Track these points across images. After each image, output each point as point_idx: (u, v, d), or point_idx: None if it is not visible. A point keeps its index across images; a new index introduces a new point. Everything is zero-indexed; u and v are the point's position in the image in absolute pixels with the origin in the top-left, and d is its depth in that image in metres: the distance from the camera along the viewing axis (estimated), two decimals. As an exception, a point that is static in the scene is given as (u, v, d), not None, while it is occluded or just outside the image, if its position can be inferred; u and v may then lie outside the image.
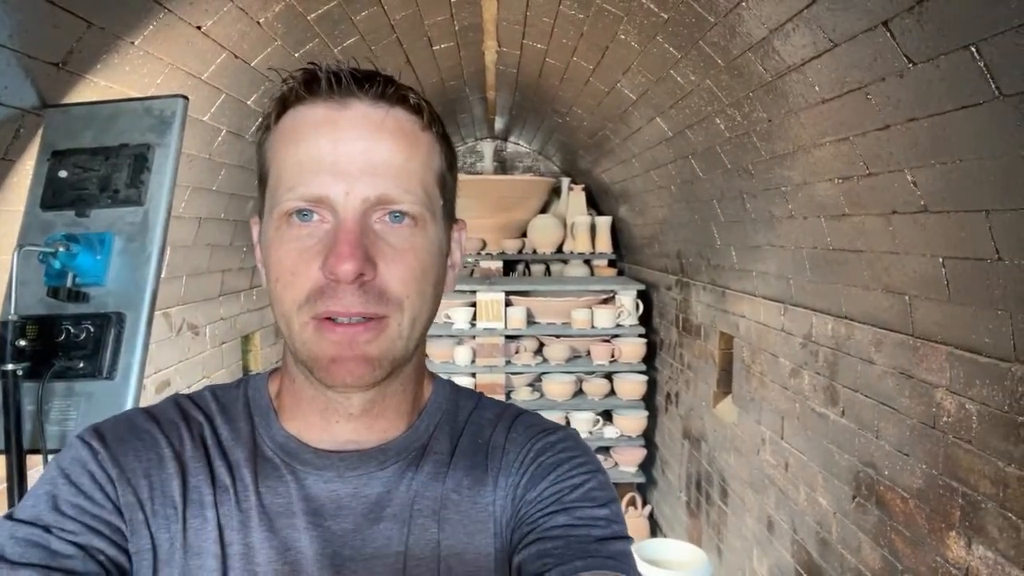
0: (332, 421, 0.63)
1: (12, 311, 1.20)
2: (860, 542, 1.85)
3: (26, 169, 1.40)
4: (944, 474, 1.50)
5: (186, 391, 0.70)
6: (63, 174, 1.34)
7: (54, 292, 1.25)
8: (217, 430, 0.65)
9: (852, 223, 1.73)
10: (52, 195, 1.34)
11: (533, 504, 0.64)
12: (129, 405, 1.23)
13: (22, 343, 1.20)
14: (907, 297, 1.60)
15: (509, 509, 0.65)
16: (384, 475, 0.63)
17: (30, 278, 1.26)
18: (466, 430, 0.68)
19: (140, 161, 1.32)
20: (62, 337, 1.26)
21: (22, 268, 1.23)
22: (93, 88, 1.48)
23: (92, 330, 1.26)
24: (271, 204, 0.59)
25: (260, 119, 0.62)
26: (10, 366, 1.19)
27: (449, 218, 0.66)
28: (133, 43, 1.49)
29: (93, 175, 1.33)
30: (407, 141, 0.59)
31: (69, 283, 1.26)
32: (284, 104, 0.59)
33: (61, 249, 1.23)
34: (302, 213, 0.57)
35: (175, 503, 0.60)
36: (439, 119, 0.62)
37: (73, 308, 1.27)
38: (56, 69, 1.35)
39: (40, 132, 1.39)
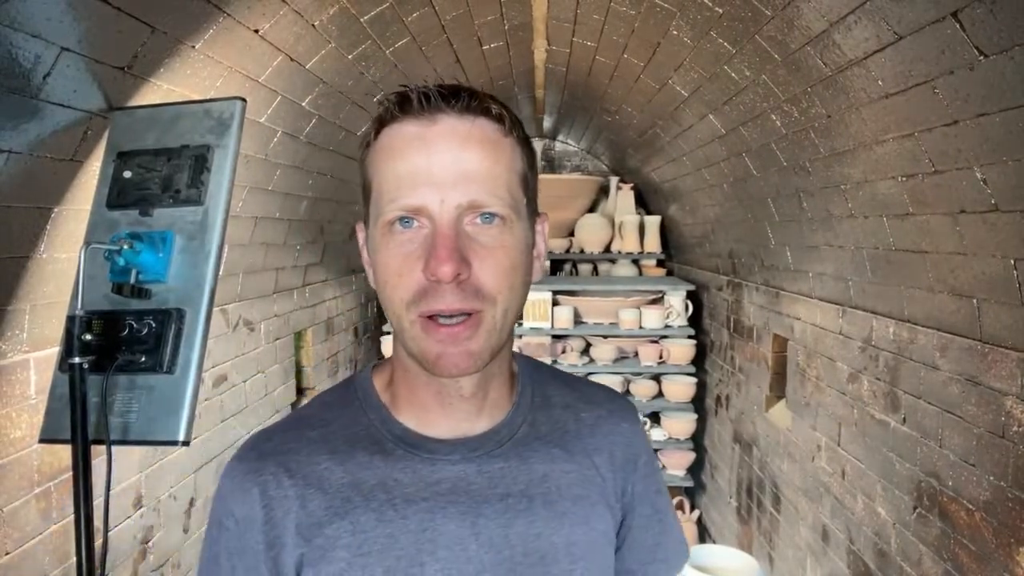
0: (447, 403, 0.70)
1: (79, 306, 1.25)
2: (921, 555, 1.78)
3: (93, 170, 1.46)
4: (1014, 486, 1.43)
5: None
6: (127, 174, 1.38)
7: (118, 288, 1.29)
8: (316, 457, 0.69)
9: (916, 222, 1.67)
10: (117, 195, 1.38)
11: (638, 507, 0.79)
12: (188, 399, 1.27)
13: (88, 337, 1.24)
14: (975, 300, 1.53)
15: (619, 490, 0.77)
16: (502, 452, 0.71)
17: (96, 275, 1.31)
18: (557, 408, 0.77)
19: (200, 162, 1.35)
20: (125, 332, 1.30)
21: (89, 265, 1.27)
22: (156, 91, 1.53)
23: (154, 325, 1.30)
24: (375, 214, 0.66)
25: (361, 138, 0.70)
26: (77, 359, 1.23)
27: (532, 213, 0.71)
28: (194, 47, 1.53)
29: (156, 175, 1.37)
30: (492, 148, 0.64)
31: (132, 280, 1.30)
32: (381, 123, 0.66)
33: (125, 247, 1.28)
34: (404, 220, 0.63)
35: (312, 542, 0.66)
36: (519, 123, 0.68)
37: (136, 304, 1.31)
38: (121, 73, 1.40)
39: (106, 134, 1.44)
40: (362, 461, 0.68)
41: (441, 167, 0.62)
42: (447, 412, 0.70)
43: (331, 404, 0.74)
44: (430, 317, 0.62)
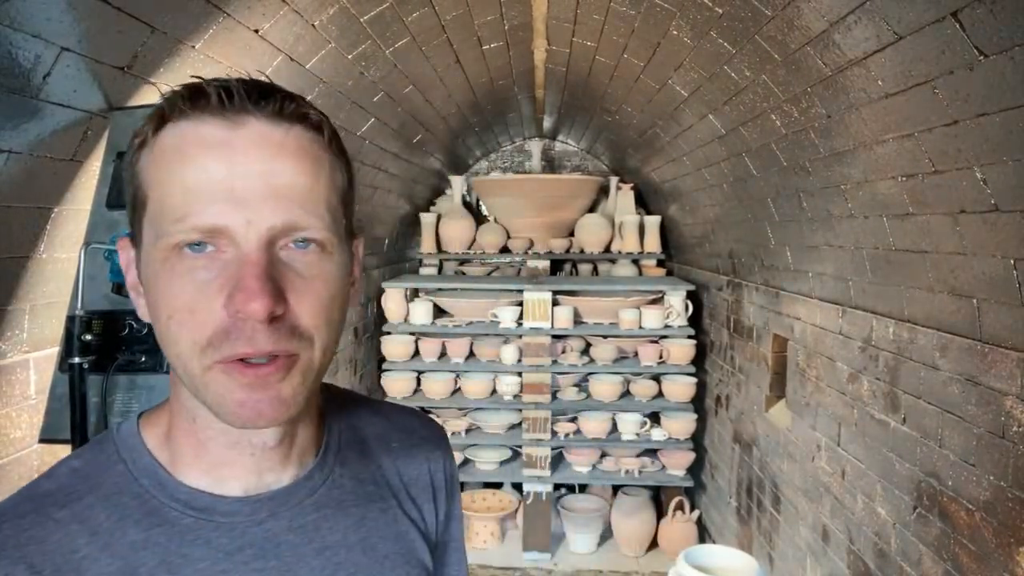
0: (247, 455, 0.58)
1: (79, 306, 1.25)
2: (921, 555, 1.78)
3: (93, 170, 1.46)
4: (1014, 486, 1.43)
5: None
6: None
7: (118, 288, 1.29)
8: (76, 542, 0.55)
9: (916, 223, 1.67)
10: (117, 195, 1.38)
11: (450, 533, 0.75)
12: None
13: (88, 337, 1.25)
14: (975, 300, 1.53)
15: (435, 519, 0.72)
16: (314, 501, 0.62)
17: (96, 275, 1.31)
18: (370, 441, 0.70)
19: (199, 161, 1.35)
20: (125, 332, 1.30)
21: (88, 265, 1.28)
22: (156, 91, 1.53)
23: (153, 325, 1.30)
24: (155, 233, 0.53)
25: (132, 136, 0.56)
26: (77, 359, 1.24)
27: (350, 235, 0.61)
28: (194, 47, 1.53)
29: (155, 175, 1.37)
30: (311, 162, 0.54)
31: (132, 280, 1.30)
32: (163, 119, 0.53)
33: (125, 247, 1.28)
34: (194, 244, 0.51)
35: None
36: (337, 134, 0.58)
37: (136, 304, 1.31)
38: (121, 73, 1.40)
39: (106, 134, 1.44)
40: (135, 540, 0.55)
41: (247, 180, 0.51)
42: (248, 465, 0.59)
43: (82, 472, 0.58)
44: (235, 361, 0.51)
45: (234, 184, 0.51)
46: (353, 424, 0.69)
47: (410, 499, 0.69)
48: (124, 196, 0.57)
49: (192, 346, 0.51)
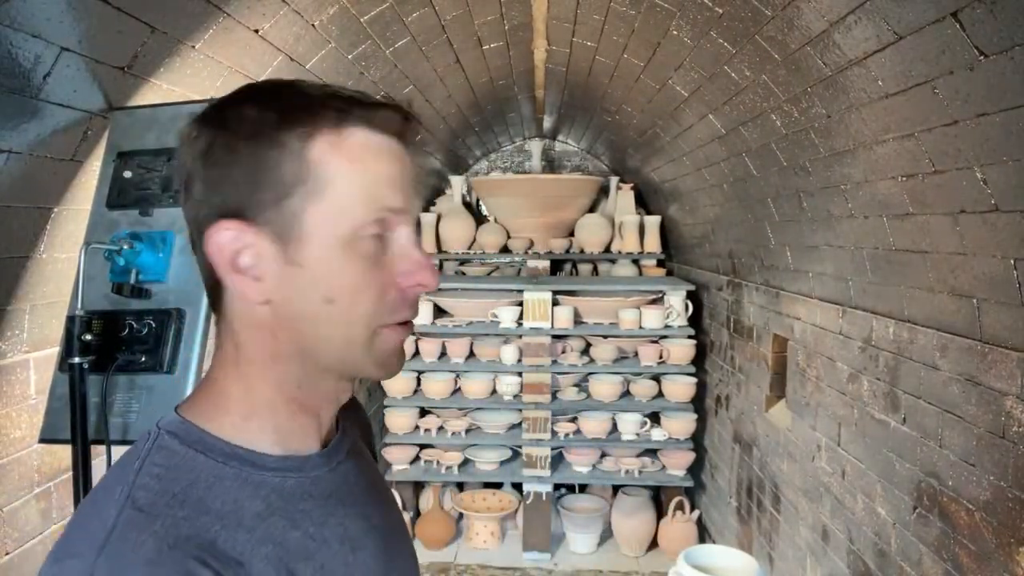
0: (325, 411, 0.67)
1: (79, 306, 1.25)
2: (921, 555, 1.78)
3: (93, 170, 1.46)
4: (1014, 486, 1.43)
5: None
6: (127, 174, 1.39)
7: (118, 288, 1.29)
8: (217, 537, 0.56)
9: (916, 223, 1.67)
10: (117, 194, 1.38)
11: None
12: (187, 399, 1.27)
13: (88, 337, 1.25)
14: (975, 300, 1.53)
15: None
16: (349, 450, 0.72)
17: (96, 275, 1.31)
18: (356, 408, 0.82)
19: (199, 161, 1.35)
20: (125, 332, 1.30)
21: (88, 265, 1.28)
22: (156, 91, 1.53)
23: (153, 325, 1.30)
24: (336, 217, 0.59)
25: (292, 121, 0.58)
26: (77, 359, 1.24)
27: None
28: (194, 47, 1.53)
29: (156, 175, 1.37)
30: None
31: (132, 280, 1.30)
32: (343, 117, 0.59)
33: (125, 247, 1.28)
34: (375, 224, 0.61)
35: None
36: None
37: (136, 304, 1.31)
38: (121, 73, 1.40)
39: (106, 134, 1.44)
40: (259, 510, 0.59)
41: (408, 183, 0.64)
42: (323, 421, 0.67)
43: (169, 477, 0.57)
44: (403, 323, 0.63)
45: (405, 180, 0.64)
46: None
47: (372, 452, 0.83)
48: (260, 178, 0.59)
49: (361, 317, 0.60)
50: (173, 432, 0.60)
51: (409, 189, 0.64)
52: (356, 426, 0.79)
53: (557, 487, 3.97)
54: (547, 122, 4.43)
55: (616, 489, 3.95)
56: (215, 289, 0.63)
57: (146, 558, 0.51)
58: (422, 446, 3.91)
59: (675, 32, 2.14)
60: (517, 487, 3.96)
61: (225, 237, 0.58)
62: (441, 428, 3.83)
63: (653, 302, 3.84)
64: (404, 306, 0.63)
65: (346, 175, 0.59)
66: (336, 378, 0.65)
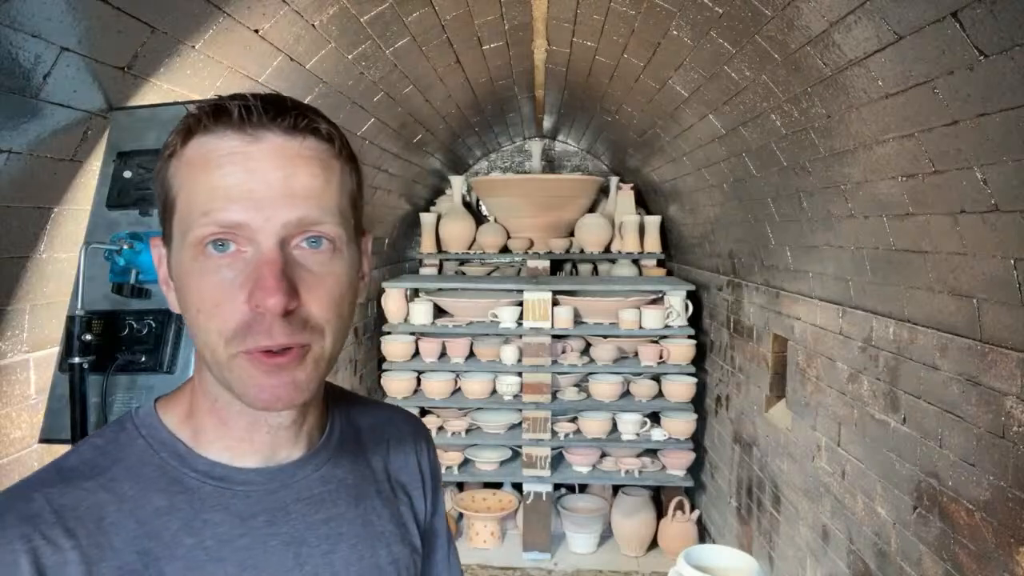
0: (264, 433, 0.64)
1: (79, 306, 1.25)
2: (921, 555, 1.78)
3: (93, 170, 1.46)
4: (1014, 486, 1.43)
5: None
6: (127, 174, 1.39)
7: (118, 288, 1.29)
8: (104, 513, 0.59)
9: (916, 223, 1.67)
10: (117, 195, 1.38)
11: (436, 524, 0.81)
12: (187, 399, 1.27)
13: (88, 337, 1.25)
14: (975, 300, 1.53)
15: (423, 507, 0.78)
16: (320, 475, 0.68)
17: (96, 275, 1.31)
18: (365, 431, 0.76)
19: (199, 161, 1.35)
20: (125, 332, 1.30)
21: (88, 265, 1.28)
22: (156, 91, 1.53)
23: (153, 325, 1.30)
24: (183, 230, 0.59)
25: (163, 148, 0.63)
26: (77, 359, 1.24)
27: (359, 234, 0.68)
28: (194, 47, 1.53)
29: (155, 175, 1.37)
30: (322, 168, 0.60)
31: (132, 280, 1.30)
32: (189, 132, 0.59)
33: (125, 247, 1.28)
34: (218, 244, 0.57)
35: None
36: (347, 143, 0.64)
37: (136, 304, 1.31)
38: (122, 73, 1.40)
39: (106, 134, 1.44)
40: (159, 506, 0.60)
41: (265, 184, 0.57)
42: (264, 442, 0.65)
43: (105, 448, 0.63)
44: (256, 352, 0.57)
45: (253, 187, 0.57)
46: (349, 416, 0.76)
47: (400, 486, 0.76)
48: (155, 202, 0.64)
49: (218, 337, 0.57)
50: (136, 414, 0.66)
51: (270, 195, 0.57)
52: (382, 452, 0.75)
53: (557, 487, 3.97)
54: (547, 122, 4.43)
55: (616, 489, 3.95)
56: None
57: (27, 513, 0.57)
58: (422, 446, 3.90)
59: (675, 32, 2.14)
60: (517, 487, 3.96)
61: (154, 253, 0.65)
62: (441, 428, 3.83)
63: (653, 302, 3.84)
64: (258, 331, 0.56)
65: (185, 189, 0.59)
66: (234, 398, 0.61)
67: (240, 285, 0.57)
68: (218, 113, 0.58)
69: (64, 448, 1.33)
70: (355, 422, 0.76)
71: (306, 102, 0.64)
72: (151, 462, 0.62)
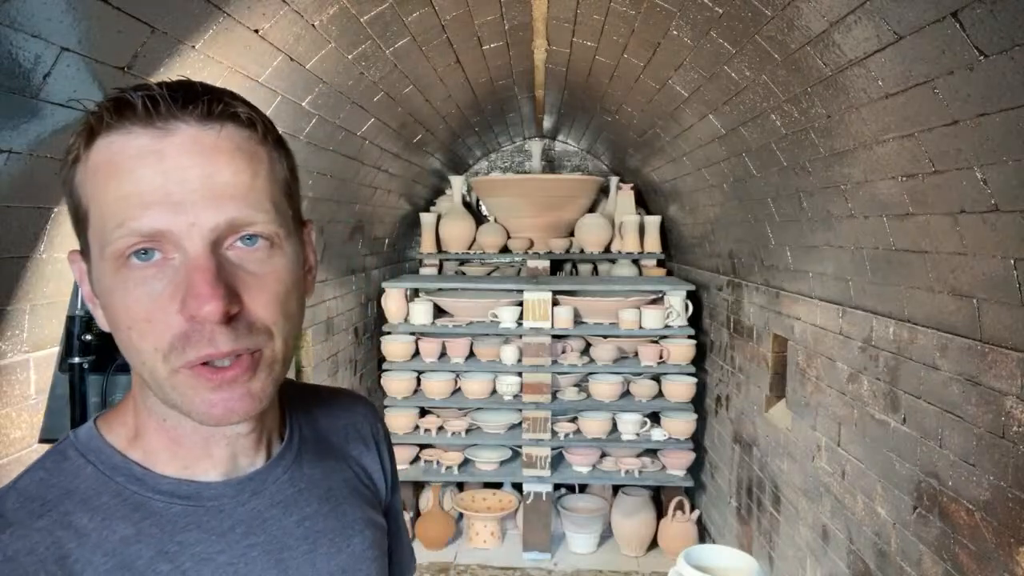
0: (221, 445, 0.60)
1: (79, 306, 1.25)
2: (921, 554, 1.78)
3: (93, 170, 1.45)
4: (1014, 486, 1.43)
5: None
6: (127, 174, 1.38)
7: (118, 288, 1.29)
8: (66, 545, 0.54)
9: (916, 223, 1.67)
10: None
11: (394, 502, 0.80)
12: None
13: (88, 337, 1.25)
14: (975, 300, 1.53)
15: (384, 486, 0.77)
16: (289, 476, 0.65)
17: (96, 275, 1.31)
18: (321, 419, 0.73)
19: (199, 161, 1.35)
20: (125, 332, 1.30)
21: (89, 265, 1.27)
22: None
23: (153, 325, 1.30)
24: (99, 243, 0.53)
25: (65, 152, 0.55)
26: (77, 359, 1.24)
27: (299, 224, 0.62)
28: (194, 47, 1.53)
29: (155, 175, 1.37)
30: (247, 159, 0.54)
31: (132, 280, 1.30)
32: (92, 133, 0.53)
33: (125, 247, 1.28)
34: (141, 253, 0.52)
35: None
36: (273, 126, 0.59)
37: (136, 304, 1.31)
38: (121, 73, 1.40)
39: (106, 134, 1.43)
40: (126, 535, 0.55)
41: (184, 184, 0.51)
42: (223, 454, 0.61)
43: (49, 481, 0.56)
44: (200, 364, 0.52)
45: (170, 189, 0.51)
46: (307, 410, 0.73)
47: (363, 470, 0.74)
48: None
49: (155, 353, 0.52)
50: (77, 438, 0.60)
51: (191, 197, 0.51)
52: (340, 439, 0.73)
53: (557, 487, 3.97)
54: (547, 122, 4.43)
55: (616, 489, 3.95)
56: None
57: None
58: (422, 446, 3.91)
59: (675, 32, 2.14)
60: (517, 487, 3.96)
61: (74, 269, 0.59)
62: (441, 428, 3.84)
63: (653, 302, 3.84)
64: (198, 342, 0.51)
65: (96, 199, 0.53)
66: (184, 416, 0.56)
67: (171, 296, 0.51)
68: (120, 107, 0.52)
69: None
70: (312, 415, 0.73)
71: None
72: (106, 490, 0.57)
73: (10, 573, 0.51)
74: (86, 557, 0.54)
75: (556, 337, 3.82)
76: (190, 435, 0.59)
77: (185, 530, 0.57)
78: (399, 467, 3.77)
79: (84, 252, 0.57)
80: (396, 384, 3.75)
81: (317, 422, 0.73)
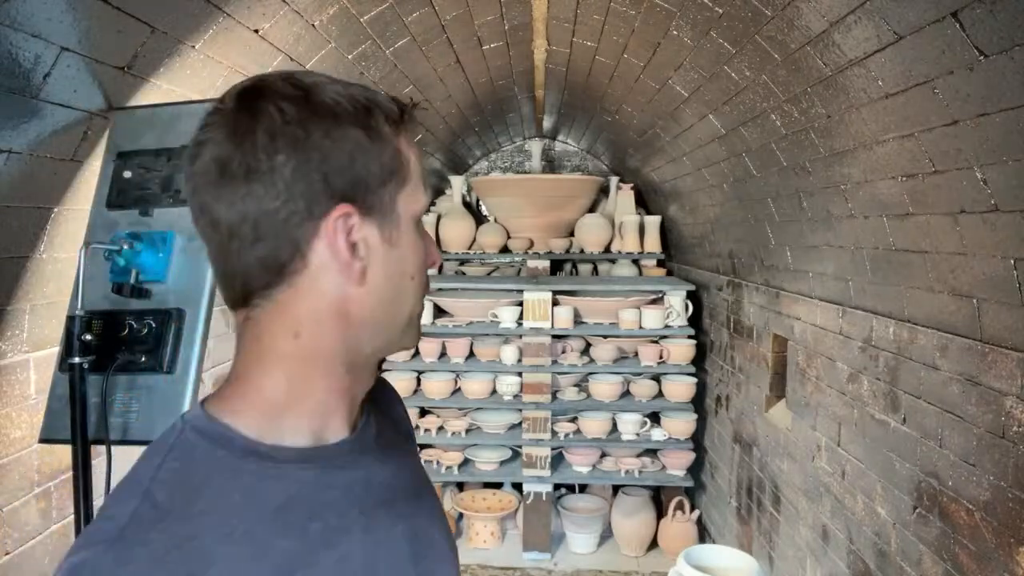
0: (348, 403, 0.65)
1: (79, 306, 1.25)
2: (921, 555, 1.78)
3: (93, 170, 1.46)
4: (1014, 486, 1.43)
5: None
6: (127, 174, 1.38)
7: (118, 288, 1.29)
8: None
9: (916, 223, 1.67)
10: (117, 195, 1.38)
11: None
12: (188, 398, 1.27)
13: (88, 337, 1.24)
14: (975, 300, 1.53)
15: (416, 447, 0.87)
16: (374, 434, 0.70)
17: (96, 275, 1.31)
18: (375, 395, 0.77)
19: (199, 161, 1.35)
20: (125, 332, 1.30)
21: (88, 265, 1.28)
22: (156, 91, 1.53)
23: (154, 325, 1.30)
24: (409, 199, 0.64)
25: (389, 104, 0.62)
26: (77, 359, 1.23)
27: None
28: (194, 47, 1.53)
29: (156, 175, 1.37)
30: None
31: (132, 280, 1.30)
32: (405, 114, 0.64)
33: (125, 247, 1.28)
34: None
35: None
36: None
37: (136, 304, 1.31)
38: (122, 73, 1.40)
39: (106, 134, 1.44)
40: (279, 504, 0.59)
41: None
42: (344, 415, 0.65)
43: (183, 471, 0.58)
44: None
45: None
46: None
47: (410, 437, 0.82)
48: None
49: (424, 288, 0.67)
50: (197, 427, 0.60)
51: None
52: (384, 404, 0.78)
53: (557, 487, 3.97)
54: (547, 122, 4.43)
55: (616, 489, 3.95)
56: (271, 282, 0.59)
57: (153, 556, 0.52)
58: (422, 446, 3.90)
59: (675, 32, 2.14)
60: (517, 487, 3.96)
61: (350, 221, 0.59)
62: (441, 428, 3.83)
63: (653, 302, 3.84)
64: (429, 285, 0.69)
65: (414, 165, 0.64)
66: (376, 361, 0.68)
67: (425, 245, 0.67)
68: (403, 107, 0.65)
69: (64, 448, 1.33)
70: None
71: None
72: (244, 470, 0.58)
73: (179, 562, 0.52)
74: (248, 528, 0.56)
75: (556, 337, 3.82)
76: (358, 385, 0.66)
77: (325, 489, 0.61)
78: (399, 467, 3.79)
79: (371, 209, 0.60)
80: (396, 384, 3.73)
81: (374, 394, 0.74)
